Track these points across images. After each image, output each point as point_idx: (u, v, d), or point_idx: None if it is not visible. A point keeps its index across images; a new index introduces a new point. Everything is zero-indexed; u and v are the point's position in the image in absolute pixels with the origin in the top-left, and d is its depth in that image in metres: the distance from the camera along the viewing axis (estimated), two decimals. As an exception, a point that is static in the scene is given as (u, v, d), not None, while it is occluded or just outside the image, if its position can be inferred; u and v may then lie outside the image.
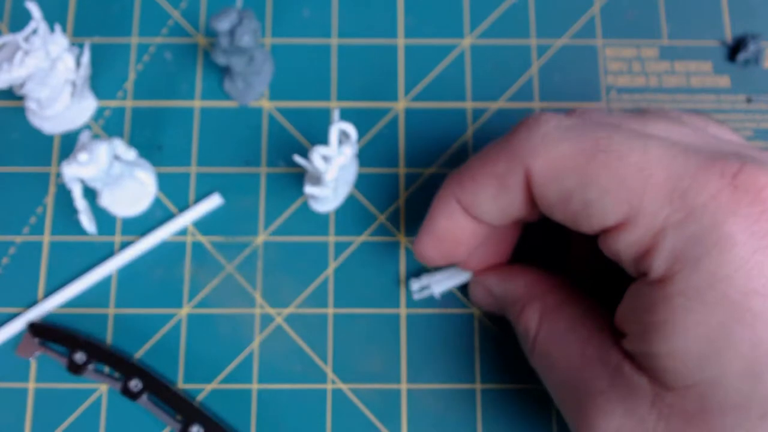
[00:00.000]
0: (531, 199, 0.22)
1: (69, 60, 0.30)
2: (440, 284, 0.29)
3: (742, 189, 0.19)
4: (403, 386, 0.29)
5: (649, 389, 0.20)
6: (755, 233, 0.18)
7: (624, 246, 0.20)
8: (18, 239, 0.30)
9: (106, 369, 0.28)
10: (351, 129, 0.27)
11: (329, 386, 0.29)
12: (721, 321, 0.18)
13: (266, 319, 0.29)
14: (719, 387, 0.19)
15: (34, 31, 0.29)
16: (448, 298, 0.29)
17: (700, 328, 0.19)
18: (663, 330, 0.19)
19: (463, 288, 0.29)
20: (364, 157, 0.31)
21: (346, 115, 0.31)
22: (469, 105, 0.32)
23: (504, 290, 0.27)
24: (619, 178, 0.20)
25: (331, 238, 0.30)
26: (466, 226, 0.24)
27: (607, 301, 0.24)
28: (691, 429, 0.19)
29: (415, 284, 0.29)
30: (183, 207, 0.30)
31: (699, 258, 0.19)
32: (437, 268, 0.29)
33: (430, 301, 0.29)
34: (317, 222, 0.30)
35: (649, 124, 0.22)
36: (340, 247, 0.30)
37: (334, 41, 0.32)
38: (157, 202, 0.31)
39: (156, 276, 0.30)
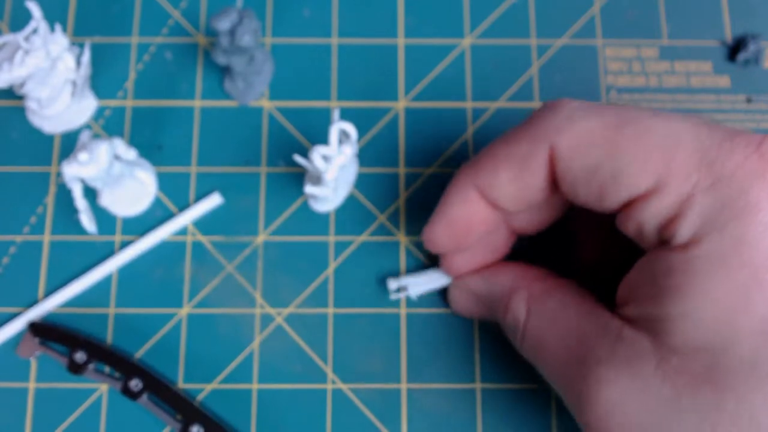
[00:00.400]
0: (552, 180, 0.23)
1: (69, 60, 0.30)
2: (418, 287, 0.29)
3: (767, 157, 0.19)
4: (403, 386, 0.29)
5: (653, 351, 0.20)
6: None
7: (650, 214, 0.21)
8: (18, 239, 0.30)
9: (107, 369, 0.28)
10: (351, 129, 0.27)
11: (329, 386, 0.29)
12: (742, 284, 0.19)
13: (266, 319, 0.29)
14: (731, 348, 0.19)
15: (35, 31, 0.29)
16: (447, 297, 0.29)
17: (719, 290, 0.19)
18: (679, 292, 0.19)
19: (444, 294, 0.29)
20: (364, 157, 0.31)
21: (346, 115, 0.31)
22: (469, 105, 0.32)
23: (488, 289, 0.27)
24: (648, 146, 0.20)
25: (331, 238, 0.30)
26: (480, 211, 0.24)
27: (602, 293, 0.24)
28: (698, 389, 0.19)
29: (393, 284, 0.29)
30: (183, 207, 0.30)
31: (726, 223, 0.19)
32: (419, 269, 0.29)
33: (430, 301, 0.29)
34: (317, 222, 0.30)
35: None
36: (340, 247, 0.30)
37: (334, 41, 0.32)
38: (157, 202, 0.31)
39: (156, 276, 0.30)
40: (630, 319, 0.21)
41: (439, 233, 0.25)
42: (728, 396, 0.19)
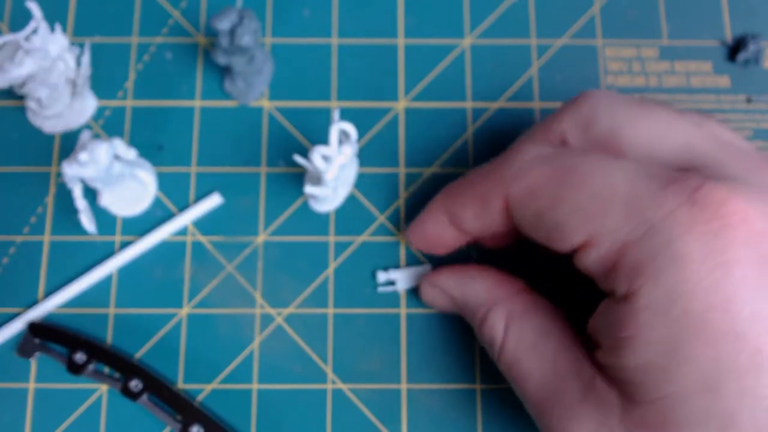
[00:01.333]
0: (509, 219, 0.24)
1: (69, 60, 0.30)
2: (406, 281, 0.29)
3: (700, 205, 0.19)
4: (403, 386, 0.29)
5: (618, 404, 0.21)
6: (713, 250, 0.18)
7: (591, 263, 0.21)
8: (18, 239, 0.30)
9: (106, 369, 0.28)
10: (351, 129, 0.27)
11: (329, 386, 0.29)
12: (682, 336, 0.19)
13: (266, 319, 0.29)
14: (681, 401, 0.19)
15: (35, 31, 0.29)
16: (448, 298, 0.30)
17: (663, 342, 0.19)
18: (630, 344, 0.20)
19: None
20: (364, 157, 0.31)
21: (346, 115, 0.31)
22: (469, 105, 0.32)
23: (463, 293, 0.27)
24: (584, 199, 0.21)
25: (331, 238, 0.30)
26: (450, 234, 0.26)
27: (578, 308, 0.24)
28: None
29: (382, 276, 0.29)
30: (183, 207, 0.30)
31: (658, 274, 0.19)
32: (408, 263, 0.30)
33: (430, 301, 0.29)
34: (317, 222, 0.30)
35: (652, 114, 0.23)
36: (340, 247, 0.30)
37: (334, 41, 0.32)
38: (157, 202, 0.31)
39: (156, 276, 0.30)
40: (600, 365, 0.22)
41: (414, 241, 0.28)
42: None
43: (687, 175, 0.20)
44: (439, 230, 0.26)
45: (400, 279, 0.29)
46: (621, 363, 0.20)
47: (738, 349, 0.18)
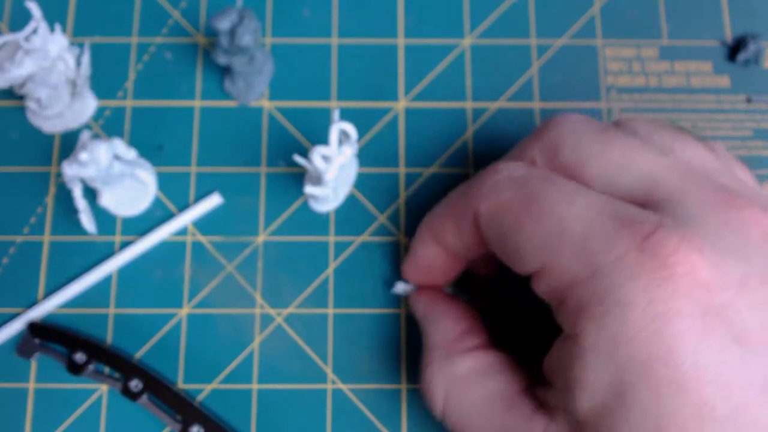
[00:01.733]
0: (480, 236, 0.24)
1: (69, 60, 0.30)
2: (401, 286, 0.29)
3: (649, 253, 0.19)
4: (403, 386, 0.29)
5: None
6: (656, 299, 0.18)
7: (543, 292, 0.21)
8: (18, 239, 0.30)
9: (106, 369, 0.28)
10: (351, 129, 0.27)
11: (329, 386, 0.29)
12: (629, 381, 0.19)
13: (266, 319, 0.29)
14: None
15: (34, 31, 0.29)
16: (448, 298, 0.29)
17: (610, 386, 0.19)
18: (579, 386, 0.20)
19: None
20: (364, 157, 0.31)
21: (346, 115, 0.31)
22: (469, 105, 0.32)
23: (424, 326, 0.27)
24: (541, 231, 0.21)
25: (331, 238, 0.30)
26: (439, 255, 0.26)
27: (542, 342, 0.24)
28: None
29: (400, 287, 0.29)
30: (183, 207, 0.30)
31: (602, 317, 0.19)
32: None
33: (430, 301, 0.29)
34: (317, 222, 0.30)
35: (616, 144, 0.23)
36: (340, 247, 0.30)
37: (334, 41, 0.32)
38: (157, 202, 0.31)
39: (156, 276, 0.30)
40: (551, 408, 0.22)
41: (410, 273, 0.28)
42: None
43: (644, 217, 0.20)
44: (430, 252, 0.26)
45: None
46: (572, 405, 0.20)
47: (680, 402, 0.18)
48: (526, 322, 0.28)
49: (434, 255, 0.26)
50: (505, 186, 0.23)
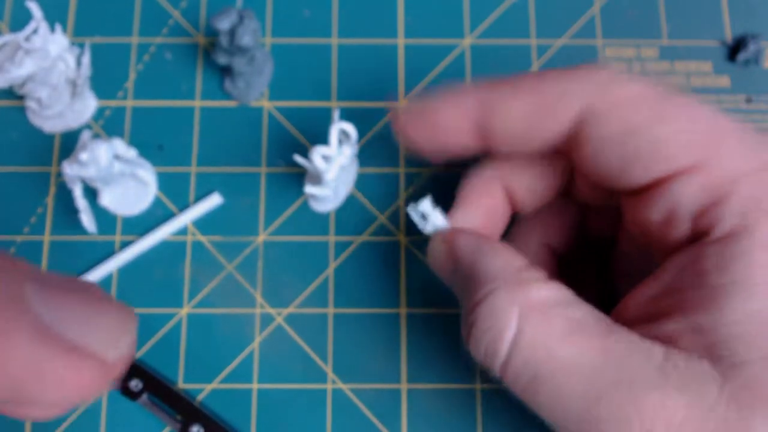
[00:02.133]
0: (569, 138, 0.20)
1: (69, 60, 0.30)
2: (438, 221, 0.25)
3: None
4: (403, 386, 0.29)
5: (713, 375, 0.17)
6: None
7: (689, 194, 0.18)
8: (18, 239, 0.30)
9: (106, 369, 0.28)
10: (351, 129, 0.27)
11: (329, 386, 0.29)
12: None
13: (266, 319, 0.29)
14: None
15: (35, 31, 0.29)
16: (448, 298, 0.29)
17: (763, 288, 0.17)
18: (738, 291, 0.17)
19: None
20: (364, 157, 0.31)
21: (346, 115, 0.31)
22: (469, 105, 0.32)
23: (470, 264, 0.21)
24: (696, 120, 0.19)
25: (331, 238, 0.30)
26: (466, 137, 0.21)
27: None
28: None
29: (414, 213, 0.25)
30: (183, 206, 0.30)
31: None
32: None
33: (430, 301, 0.29)
34: (317, 222, 0.30)
35: None
36: (340, 247, 0.30)
37: (334, 41, 0.32)
38: (157, 202, 0.31)
39: (156, 276, 0.30)
40: (672, 337, 0.18)
41: (412, 126, 0.23)
42: None
43: None
44: (456, 126, 0.21)
45: (433, 216, 0.25)
46: (720, 319, 0.17)
47: None
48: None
49: (461, 133, 0.22)
50: (630, 78, 0.20)
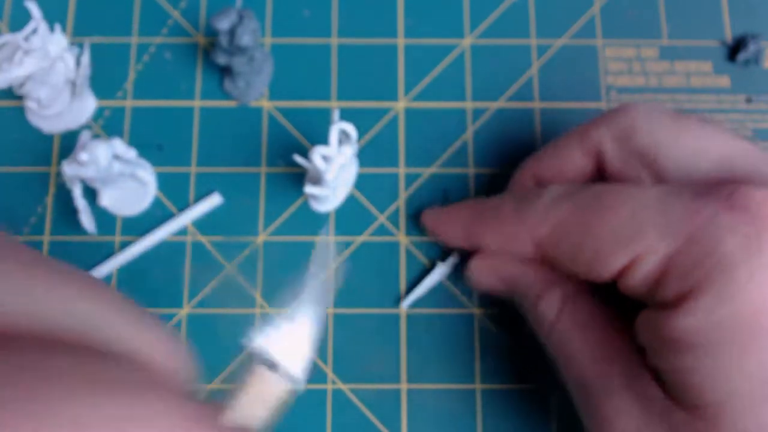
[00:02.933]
0: (540, 255, 0.24)
1: (69, 60, 0.30)
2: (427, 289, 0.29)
3: (738, 207, 0.19)
4: (403, 386, 0.29)
5: (661, 400, 0.21)
6: (756, 251, 0.18)
7: (635, 284, 0.21)
8: (18, 239, 0.30)
9: (106, 369, 0.28)
10: (351, 129, 0.27)
11: (329, 386, 0.29)
12: (731, 340, 0.18)
13: (266, 320, 0.29)
14: (729, 409, 0.19)
15: (34, 31, 0.29)
16: (448, 298, 0.29)
17: (711, 347, 0.19)
18: (677, 348, 0.19)
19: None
20: (364, 157, 0.31)
21: (346, 115, 0.31)
22: (469, 105, 0.32)
23: (520, 272, 0.26)
24: (617, 225, 0.21)
25: (331, 238, 0.30)
26: (462, 242, 0.27)
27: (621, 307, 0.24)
28: None
29: (405, 304, 0.29)
30: (183, 207, 0.30)
31: (704, 281, 0.19)
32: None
33: (430, 301, 0.29)
34: (317, 222, 0.30)
35: (691, 129, 0.23)
36: (340, 247, 0.30)
37: (334, 41, 0.32)
38: (157, 202, 0.30)
39: (156, 276, 0.30)
40: (645, 367, 0.22)
41: (429, 225, 0.29)
42: None
43: (717, 185, 0.20)
44: (455, 239, 0.27)
45: (422, 290, 0.29)
46: (667, 366, 0.20)
47: None
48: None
49: (459, 242, 0.27)
50: (559, 203, 0.23)
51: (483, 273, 0.27)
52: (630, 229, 0.21)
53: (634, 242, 0.20)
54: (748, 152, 0.22)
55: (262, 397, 0.18)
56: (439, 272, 0.29)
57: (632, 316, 0.23)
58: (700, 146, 0.22)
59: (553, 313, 0.25)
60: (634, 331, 0.22)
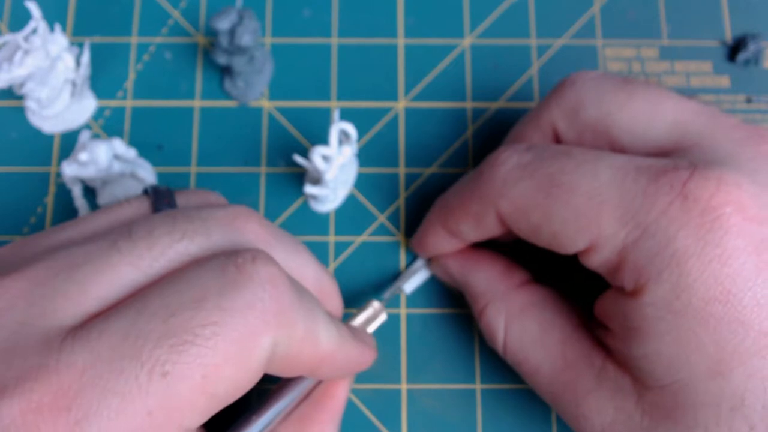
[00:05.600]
0: (507, 227, 0.24)
1: (69, 59, 0.30)
2: (410, 285, 0.29)
3: (691, 199, 0.19)
4: (403, 386, 0.29)
5: (632, 388, 0.21)
6: (708, 243, 0.19)
7: (596, 266, 0.21)
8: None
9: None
10: (351, 129, 0.27)
11: (329, 386, 0.29)
12: (687, 327, 0.19)
13: (266, 319, 0.29)
14: (690, 386, 0.20)
15: (34, 31, 0.29)
16: (448, 298, 0.29)
17: (669, 334, 0.19)
18: (638, 335, 0.20)
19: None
20: (364, 157, 0.31)
21: (346, 115, 0.31)
22: (469, 105, 0.32)
23: (465, 281, 0.27)
24: (575, 209, 0.21)
25: (331, 238, 0.30)
26: (451, 242, 0.26)
27: (586, 289, 0.24)
28: (670, 423, 0.20)
29: (387, 293, 0.29)
30: (183, 207, 0.30)
31: (660, 272, 0.19)
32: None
33: (430, 301, 0.29)
34: (317, 222, 0.30)
35: (638, 95, 0.23)
36: (340, 247, 0.30)
37: (334, 41, 0.32)
38: (157, 202, 0.30)
39: (156, 276, 0.30)
40: (609, 349, 0.22)
41: (420, 252, 0.29)
42: (698, 430, 0.20)
43: (675, 165, 0.20)
44: (441, 243, 0.27)
45: (403, 284, 0.29)
46: (630, 352, 0.21)
47: (741, 335, 0.19)
48: (562, 262, 0.28)
49: (447, 244, 0.26)
50: (518, 177, 0.22)
51: (440, 274, 0.28)
52: (587, 214, 0.21)
53: (591, 229, 0.21)
54: (699, 114, 0.22)
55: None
56: (420, 266, 0.29)
57: (595, 288, 0.23)
58: (650, 111, 0.22)
59: (501, 332, 0.25)
60: (597, 313, 0.22)
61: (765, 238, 0.19)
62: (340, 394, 0.24)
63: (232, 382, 0.18)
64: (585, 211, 0.21)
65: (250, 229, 0.21)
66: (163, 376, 0.16)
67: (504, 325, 0.25)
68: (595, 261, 0.21)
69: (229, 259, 0.19)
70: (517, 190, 0.22)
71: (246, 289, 0.18)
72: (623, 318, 0.21)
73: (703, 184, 0.19)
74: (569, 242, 0.21)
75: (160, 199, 0.22)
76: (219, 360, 0.17)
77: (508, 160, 0.23)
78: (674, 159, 0.20)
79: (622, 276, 0.20)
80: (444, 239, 0.26)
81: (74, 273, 0.18)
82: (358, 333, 0.24)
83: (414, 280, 0.29)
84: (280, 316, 0.18)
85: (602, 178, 0.21)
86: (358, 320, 0.27)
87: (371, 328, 0.27)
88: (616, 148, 0.23)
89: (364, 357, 0.23)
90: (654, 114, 0.22)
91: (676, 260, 0.19)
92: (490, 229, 0.24)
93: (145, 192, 0.23)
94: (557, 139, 0.25)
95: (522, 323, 0.24)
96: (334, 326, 0.21)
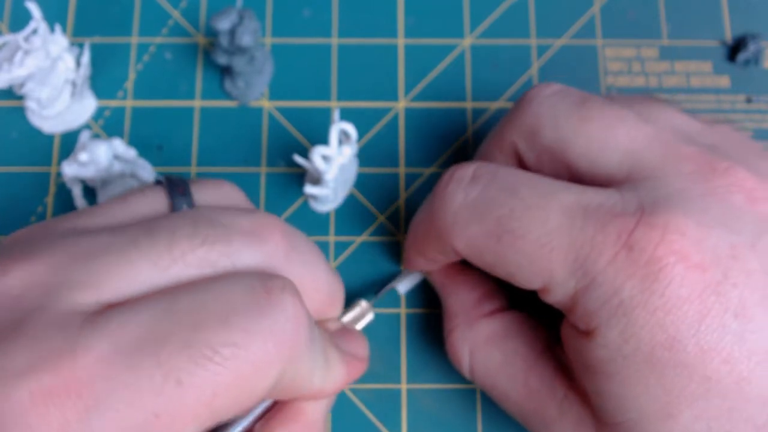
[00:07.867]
0: None
1: (69, 60, 0.30)
2: (405, 285, 0.29)
3: (637, 249, 0.19)
4: (403, 386, 0.29)
5: (592, 421, 0.22)
6: (654, 292, 0.19)
7: (552, 302, 0.22)
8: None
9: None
10: (351, 129, 0.27)
11: (329, 386, 0.29)
12: (636, 370, 0.20)
13: (266, 319, 0.29)
14: (642, 426, 0.20)
15: (34, 31, 0.29)
16: (448, 298, 0.29)
17: (620, 375, 0.20)
18: (592, 373, 0.21)
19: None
20: (364, 157, 0.31)
21: (346, 115, 0.31)
22: (469, 105, 0.32)
23: (441, 297, 0.27)
24: (526, 255, 0.21)
25: (331, 238, 0.30)
26: (429, 264, 0.27)
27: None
28: None
29: (380, 293, 0.29)
30: (183, 207, 0.30)
31: (608, 319, 0.20)
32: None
33: (430, 301, 0.29)
34: (317, 222, 0.30)
35: (594, 120, 0.22)
36: (340, 247, 0.30)
37: (334, 41, 0.32)
38: (157, 202, 0.30)
39: (156, 276, 0.30)
40: (573, 377, 0.23)
41: (407, 267, 0.28)
42: None
43: (623, 209, 0.20)
44: (421, 264, 0.27)
45: (398, 285, 0.29)
46: (587, 386, 0.22)
47: (687, 379, 0.19)
48: None
49: (428, 265, 0.27)
50: (467, 218, 0.22)
51: (430, 279, 0.29)
52: (538, 262, 0.21)
53: (543, 275, 0.21)
54: (652, 142, 0.22)
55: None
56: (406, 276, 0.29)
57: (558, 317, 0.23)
58: (603, 139, 0.22)
59: (466, 360, 0.25)
60: (563, 337, 0.23)
61: (708, 284, 0.19)
62: (309, 411, 0.23)
63: (236, 403, 0.18)
64: (536, 259, 0.21)
65: (272, 240, 0.21)
66: (177, 384, 0.17)
67: (469, 353, 0.25)
68: (550, 300, 0.22)
69: (259, 282, 0.19)
70: (468, 233, 0.22)
71: (271, 316, 0.18)
72: (578, 354, 0.21)
73: (648, 233, 0.19)
74: (525, 282, 0.22)
75: (175, 189, 0.22)
76: (231, 380, 0.17)
77: (455, 195, 0.23)
78: (624, 195, 0.21)
79: (575, 317, 0.21)
80: (422, 261, 0.26)
81: (92, 262, 0.18)
82: (348, 343, 0.24)
83: (408, 281, 0.29)
84: (294, 349, 0.19)
85: (551, 223, 0.21)
86: (345, 319, 0.27)
87: (358, 327, 0.27)
88: (573, 173, 0.23)
89: (351, 376, 0.24)
90: (606, 141, 0.22)
91: (623, 309, 0.19)
92: (456, 257, 0.24)
93: (158, 182, 0.23)
94: (519, 160, 0.25)
95: (487, 352, 0.25)
96: (328, 364, 0.22)
